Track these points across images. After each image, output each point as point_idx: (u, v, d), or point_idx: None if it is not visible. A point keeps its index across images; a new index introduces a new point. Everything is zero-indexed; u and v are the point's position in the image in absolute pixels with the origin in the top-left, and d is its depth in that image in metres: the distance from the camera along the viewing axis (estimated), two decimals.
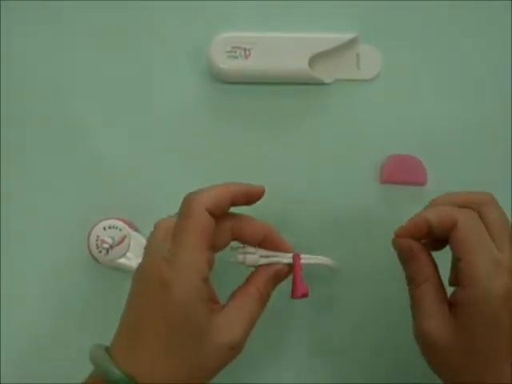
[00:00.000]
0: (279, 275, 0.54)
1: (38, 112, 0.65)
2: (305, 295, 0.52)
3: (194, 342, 0.48)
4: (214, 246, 0.51)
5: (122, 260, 0.61)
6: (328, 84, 0.64)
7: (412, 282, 0.52)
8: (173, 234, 0.49)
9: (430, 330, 0.50)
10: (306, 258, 0.55)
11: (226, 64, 0.62)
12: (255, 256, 0.54)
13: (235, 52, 0.62)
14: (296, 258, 0.54)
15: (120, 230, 0.61)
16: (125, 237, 0.61)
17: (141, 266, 0.50)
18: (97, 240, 0.61)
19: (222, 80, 0.64)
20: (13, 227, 0.64)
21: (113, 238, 0.61)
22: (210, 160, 0.64)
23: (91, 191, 0.63)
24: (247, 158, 0.64)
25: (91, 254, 0.61)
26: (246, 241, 0.54)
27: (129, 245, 0.61)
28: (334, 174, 0.64)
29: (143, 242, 0.59)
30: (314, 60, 0.62)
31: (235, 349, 0.50)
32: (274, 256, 0.54)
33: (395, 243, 0.53)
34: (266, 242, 0.54)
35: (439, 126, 0.64)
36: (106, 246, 0.61)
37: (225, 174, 0.63)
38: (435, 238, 0.52)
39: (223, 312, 0.50)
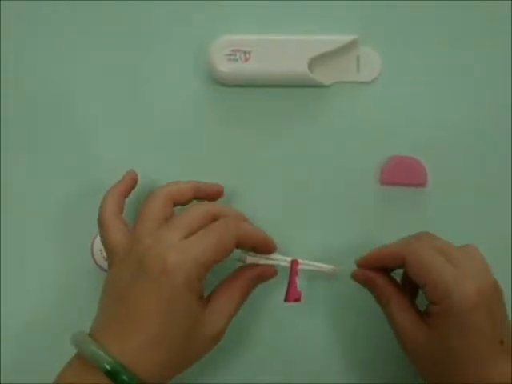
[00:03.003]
0: (264, 276, 0.58)
1: (38, 112, 0.65)
2: (297, 300, 0.55)
3: (183, 333, 0.51)
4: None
5: None
6: (328, 86, 0.64)
7: (379, 303, 0.57)
8: (173, 225, 0.53)
9: (403, 339, 0.55)
10: (303, 264, 0.58)
11: (225, 67, 0.62)
12: (256, 257, 0.57)
13: (235, 55, 0.62)
14: (294, 263, 0.57)
15: None
16: None
17: (135, 253, 0.52)
18: (100, 248, 0.61)
19: (221, 83, 0.64)
20: (13, 232, 0.64)
21: None
22: (209, 162, 0.65)
23: (92, 194, 0.63)
24: (247, 161, 0.64)
25: (95, 262, 0.61)
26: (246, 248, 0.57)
27: None
28: (334, 176, 0.64)
29: None
30: (313, 62, 0.62)
31: (217, 339, 0.54)
32: (273, 259, 0.57)
33: (353, 277, 0.59)
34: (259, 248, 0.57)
35: (439, 127, 0.64)
36: None
37: (225, 176, 0.64)
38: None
39: (209, 305, 0.54)
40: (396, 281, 0.58)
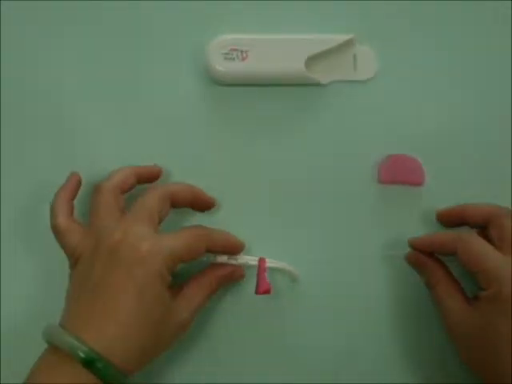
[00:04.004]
0: (233, 276, 0.61)
1: (38, 113, 0.66)
2: (266, 291, 0.58)
3: (155, 321, 0.53)
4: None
5: None
6: (325, 85, 0.64)
7: (427, 286, 0.60)
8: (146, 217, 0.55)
9: (449, 321, 0.57)
10: (269, 262, 0.60)
11: (222, 66, 0.62)
12: (224, 257, 0.60)
13: (232, 54, 0.62)
14: (261, 261, 0.60)
15: None
16: None
17: (105, 247, 0.53)
18: None
19: (218, 82, 0.64)
20: (12, 232, 0.65)
21: None
22: (207, 161, 0.65)
23: (89, 195, 0.62)
24: (244, 160, 0.65)
25: None
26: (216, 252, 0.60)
27: None
28: (331, 175, 0.64)
29: None
30: (310, 61, 0.62)
31: (184, 328, 0.57)
32: (241, 258, 0.61)
33: (406, 258, 0.61)
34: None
35: (437, 126, 0.64)
36: None
37: (222, 175, 0.64)
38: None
39: (178, 296, 0.56)
40: (445, 265, 0.60)
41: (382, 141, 0.64)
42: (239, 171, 0.64)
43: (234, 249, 0.60)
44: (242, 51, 0.62)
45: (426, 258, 0.60)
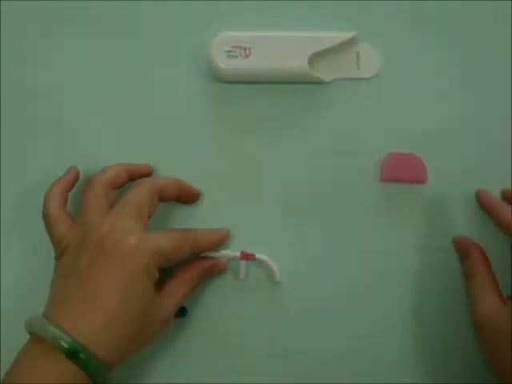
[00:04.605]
0: (214, 269, 0.61)
1: (38, 113, 0.65)
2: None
3: (139, 314, 0.53)
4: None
5: None
6: (328, 83, 0.64)
7: (466, 274, 0.60)
8: (134, 213, 0.55)
9: (479, 312, 0.56)
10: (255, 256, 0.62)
11: (225, 63, 0.62)
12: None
13: (235, 51, 0.62)
14: (243, 254, 0.62)
15: None
16: None
17: (92, 240, 0.53)
18: None
19: (221, 79, 0.64)
20: (12, 231, 0.64)
21: None
22: (209, 159, 0.64)
23: None
24: (247, 157, 0.64)
25: None
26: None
27: None
28: (334, 173, 0.64)
29: None
30: (313, 59, 0.62)
31: (165, 323, 0.57)
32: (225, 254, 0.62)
33: (454, 241, 0.62)
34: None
35: (439, 124, 0.64)
36: None
37: (225, 172, 0.64)
38: None
39: (159, 292, 0.56)
40: (488, 260, 0.60)
41: (385, 139, 0.64)
42: (241, 169, 0.64)
43: (219, 246, 0.61)
44: (245, 49, 0.62)
45: (473, 245, 0.60)
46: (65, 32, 0.66)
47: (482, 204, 0.61)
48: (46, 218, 0.58)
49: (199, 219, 0.63)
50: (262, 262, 0.62)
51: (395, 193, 0.64)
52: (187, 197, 0.62)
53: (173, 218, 0.64)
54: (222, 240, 0.62)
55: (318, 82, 0.64)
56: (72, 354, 0.49)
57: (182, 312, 0.62)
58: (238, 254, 0.62)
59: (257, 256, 0.62)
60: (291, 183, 0.64)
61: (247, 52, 0.62)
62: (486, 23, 0.66)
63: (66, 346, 0.49)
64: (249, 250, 0.62)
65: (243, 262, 0.62)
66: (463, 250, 0.61)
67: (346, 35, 0.63)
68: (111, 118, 0.65)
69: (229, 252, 0.62)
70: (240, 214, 0.64)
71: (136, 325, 0.53)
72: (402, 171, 0.63)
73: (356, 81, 0.65)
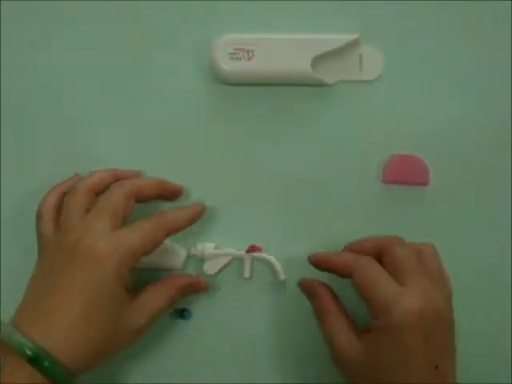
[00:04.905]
0: (194, 287, 0.61)
1: (38, 113, 0.65)
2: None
3: (108, 322, 0.53)
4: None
5: None
6: (331, 85, 0.64)
7: (317, 314, 0.58)
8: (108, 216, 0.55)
9: (336, 350, 0.54)
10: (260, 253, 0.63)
11: (228, 65, 0.62)
12: (215, 250, 0.63)
13: (238, 53, 0.62)
14: (251, 247, 0.63)
15: None
16: None
17: (65, 243, 0.54)
18: None
19: (224, 81, 0.64)
20: (12, 232, 0.64)
21: None
22: (211, 161, 0.65)
23: None
24: (249, 159, 0.64)
25: None
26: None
27: None
28: (336, 174, 0.64)
29: None
30: (316, 61, 0.62)
31: (139, 334, 0.56)
32: (231, 253, 0.63)
33: (299, 285, 0.60)
34: None
35: (441, 126, 0.64)
36: None
37: (226, 174, 0.64)
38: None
39: (136, 300, 0.56)
40: (336, 297, 0.58)
41: (387, 141, 0.64)
42: (243, 170, 0.64)
43: (195, 221, 0.61)
44: (248, 51, 0.62)
45: (319, 285, 0.58)
46: (65, 32, 0.66)
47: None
48: (38, 215, 0.58)
49: (199, 219, 0.63)
50: (266, 261, 0.63)
51: (397, 194, 0.64)
52: (169, 194, 0.62)
53: None
54: (196, 214, 0.61)
55: (320, 85, 0.64)
56: (36, 361, 0.48)
57: (184, 314, 0.62)
58: (242, 252, 0.62)
59: (263, 255, 0.62)
60: (293, 184, 0.64)
61: (250, 54, 0.62)
62: (486, 23, 0.66)
63: (29, 353, 0.48)
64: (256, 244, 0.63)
65: (248, 261, 0.62)
66: (310, 291, 0.59)
67: (349, 37, 0.63)
68: (112, 118, 0.65)
69: (233, 251, 0.63)
70: (242, 214, 0.64)
71: (103, 331, 0.52)
72: (404, 173, 0.63)
73: (359, 83, 0.65)
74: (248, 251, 0.62)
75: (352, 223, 0.64)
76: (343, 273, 0.56)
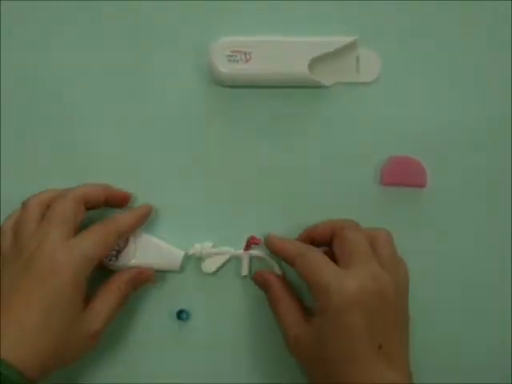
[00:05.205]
0: (140, 278, 0.61)
1: (38, 113, 0.65)
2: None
3: (65, 329, 0.53)
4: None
5: (133, 261, 0.62)
6: (328, 87, 0.64)
7: (270, 303, 0.60)
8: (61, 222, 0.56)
9: (288, 336, 0.56)
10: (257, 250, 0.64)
11: (226, 68, 0.62)
12: (208, 247, 0.63)
13: (235, 56, 0.62)
14: (250, 240, 0.63)
15: None
16: (128, 238, 0.62)
17: (21, 255, 0.55)
18: None
19: (222, 84, 0.64)
20: None
21: (118, 244, 0.61)
22: (209, 163, 0.65)
23: None
24: (247, 161, 0.65)
25: (103, 264, 0.62)
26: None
27: (135, 245, 0.62)
28: (334, 177, 0.64)
29: (148, 239, 0.63)
30: (313, 63, 0.62)
31: (94, 339, 0.56)
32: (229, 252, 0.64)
33: (253, 278, 0.62)
34: None
35: (439, 128, 0.64)
36: (113, 252, 0.62)
37: (224, 176, 0.64)
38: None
39: (89, 306, 0.56)
40: (289, 286, 0.60)
41: (385, 143, 0.64)
42: (241, 173, 0.65)
43: (144, 221, 0.62)
44: (245, 53, 0.62)
45: (271, 276, 0.60)
46: (65, 32, 0.66)
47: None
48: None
49: (200, 220, 0.64)
50: (263, 259, 0.63)
51: (395, 196, 0.64)
52: (116, 201, 0.62)
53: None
54: (144, 215, 0.62)
55: (318, 87, 0.64)
56: None
57: (182, 315, 0.62)
58: (240, 251, 0.63)
59: (261, 253, 0.63)
60: (291, 187, 0.64)
61: (248, 56, 0.62)
62: (486, 23, 0.66)
63: None
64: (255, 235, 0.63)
65: (246, 258, 0.63)
66: (263, 282, 0.61)
67: (346, 39, 0.63)
68: (111, 119, 0.65)
69: (231, 250, 0.63)
70: (240, 216, 0.64)
71: (59, 340, 0.53)
72: (401, 175, 0.63)
73: (356, 85, 0.65)
74: (247, 243, 0.63)
75: None
76: (288, 262, 0.58)
